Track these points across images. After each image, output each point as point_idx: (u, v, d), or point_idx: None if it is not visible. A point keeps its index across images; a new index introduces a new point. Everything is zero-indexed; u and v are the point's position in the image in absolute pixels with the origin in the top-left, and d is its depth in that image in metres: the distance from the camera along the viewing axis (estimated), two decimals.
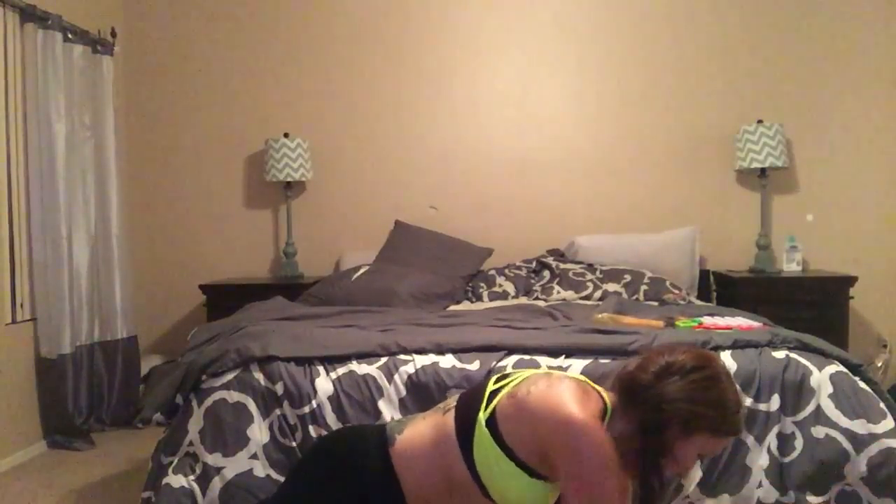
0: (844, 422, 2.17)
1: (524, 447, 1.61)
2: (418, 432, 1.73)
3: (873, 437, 2.15)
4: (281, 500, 1.81)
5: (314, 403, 2.29)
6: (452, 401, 1.79)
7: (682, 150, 4.37)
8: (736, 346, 2.33)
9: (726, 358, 2.27)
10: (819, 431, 2.18)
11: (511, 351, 2.36)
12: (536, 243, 4.32)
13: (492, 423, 1.63)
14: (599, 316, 2.84)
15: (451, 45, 4.48)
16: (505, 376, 1.76)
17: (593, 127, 4.43)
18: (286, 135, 4.36)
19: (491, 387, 1.72)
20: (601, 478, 1.54)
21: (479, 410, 1.66)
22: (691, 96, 4.35)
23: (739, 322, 2.63)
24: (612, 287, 3.79)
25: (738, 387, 1.73)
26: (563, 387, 1.64)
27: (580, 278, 3.87)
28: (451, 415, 1.71)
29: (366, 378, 2.32)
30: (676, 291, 3.73)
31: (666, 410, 1.61)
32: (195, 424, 2.30)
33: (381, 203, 4.51)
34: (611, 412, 1.69)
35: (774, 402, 2.21)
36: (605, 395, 1.72)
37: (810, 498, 2.16)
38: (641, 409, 1.64)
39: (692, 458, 1.65)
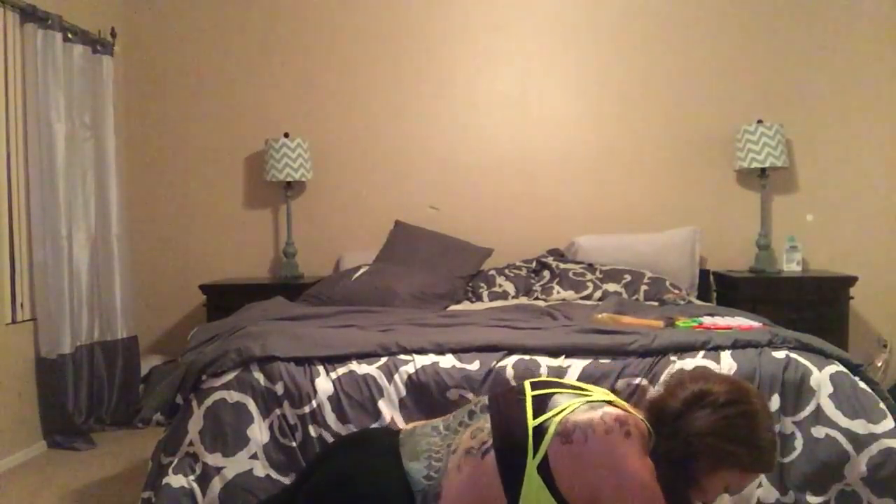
0: (844, 422, 2.17)
1: (579, 495, 1.56)
2: (458, 490, 1.63)
3: (873, 438, 2.15)
4: None
5: (314, 403, 2.29)
6: (485, 434, 1.68)
7: (682, 149, 4.37)
8: (736, 346, 2.33)
9: (726, 358, 2.27)
10: (819, 431, 2.18)
11: (511, 351, 2.36)
12: (536, 243, 4.32)
13: (544, 469, 1.57)
14: (599, 316, 2.84)
15: (452, 46, 4.48)
16: (540, 401, 1.68)
17: (593, 127, 4.43)
18: (286, 135, 4.36)
19: (531, 421, 1.64)
20: None
21: (526, 454, 1.59)
22: (691, 96, 4.35)
23: (739, 322, 2.63)
24: (612, 287, 3.79)
25: (773, 425, 1.66)
26: (621, 432, 1.57)
27: (580, 278, 3.87)
28: (492, 460, 1.62)
29: (366, 378, 2.32)
30: (676, 291, 3.73)
31: (693, 444, 1.56)
32: (195, 424, 2.30)
33: (381, 203, 4.51)
34: (653, 439, 1.66)
35: (774, 402, 2.21)
36: (642, 417, 1.69)
37: (810, 498, 2.16)
38: (668, 440, 1.60)
39: (719, 491, 1.61)
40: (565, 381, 1.97)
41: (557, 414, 1.64)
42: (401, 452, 1.77)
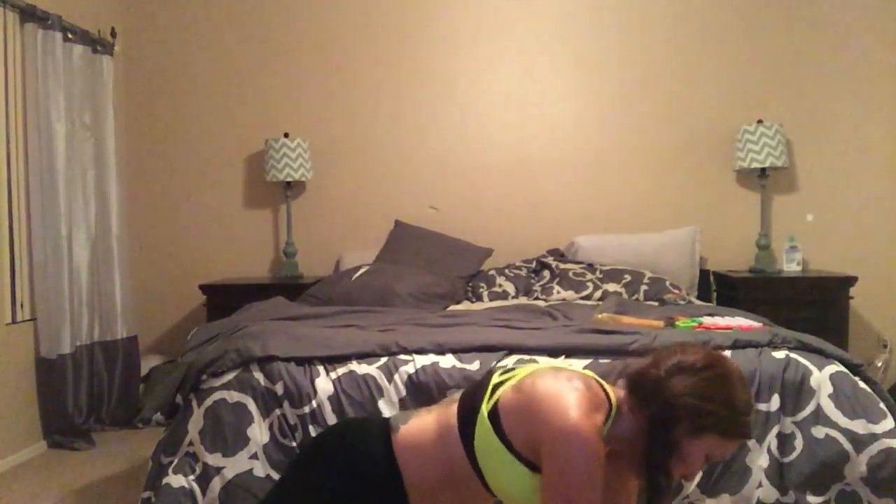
0: (844, 422, 2.17)
1: (524, 440, 1.61)
2: (422, 424, 1.72)
3: (873, 437, 2.15)
4: (281, 490, 1.81)
5: (314, 403, 2.29)
6: (458, 395, 1.79)
7: (682, 150, 4.37)
8: (736, 346, 2.33)
9: None
10: (819, 431, 2.18)
11: (511, 351, 2.36)
12: (536, 243, 4.32)
13: (494, 414, 1.63)
14: (599, 316, 2.84)
15: (452, 45, 4.48)
16: (510, 370, 1.76)
17: (593, 127, 4.43)
18: (286, 135, 4.36)
19: (495, 380, 1.72)
20: (580, 490, 1.52)
21: (482, 402, 1.66)
22: (691, 96, 4.35)
23: (739, 322, 2.63)
24: (612, 287, 3.79)
25: (749, 390, 1.71)
26: (569, 386, 1.62)
27: (580, 278, 3.87)
28: (455, 407, 1.71)
29: (366, 378, 2.32)
30: (676, 291, 3.74)
31: (675, 406, 1.59)
32: (195, 424, 2.30)
33: (381, 203, 4.51)
34: (616, 411, 1.69)
35: (774, 402, 2.21)
36: (611, 392, 1.71)
37: (810, 498, 2.16)
38: (650, 404, 1.63)
39: (700, 460, 1.63)
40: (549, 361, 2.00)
41: (520, 373, 1.71)
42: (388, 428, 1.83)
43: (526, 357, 2.33)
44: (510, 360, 2.32)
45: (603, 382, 1.74)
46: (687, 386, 1.61)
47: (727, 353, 2.29)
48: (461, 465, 1.65)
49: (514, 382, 1.68)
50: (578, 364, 2.29)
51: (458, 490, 1.67)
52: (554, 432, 1.56)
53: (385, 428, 1.73)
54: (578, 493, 1.53)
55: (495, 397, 1.66)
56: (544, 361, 2.30)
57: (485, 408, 1.64)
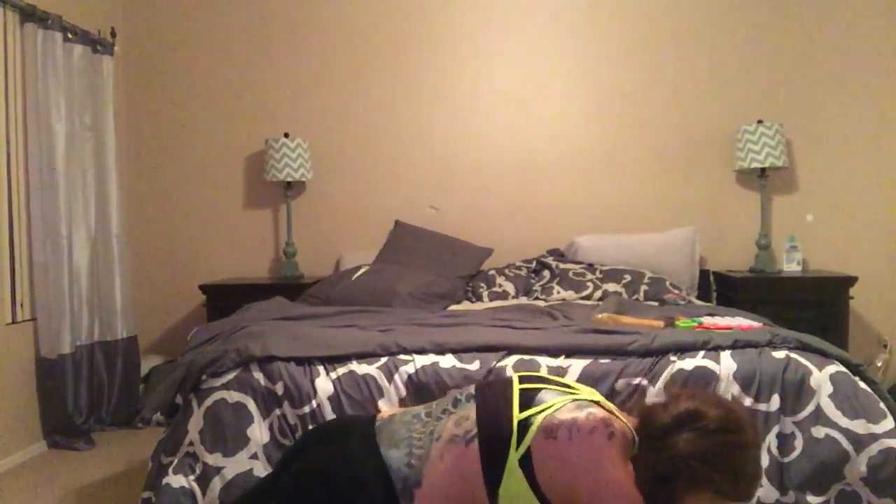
0: (844, 422, 2.17)
1: (558, 492, 1.57)
2: (440, 478, 1.64)
3: (873, 438, 2.14)
4: None
5: (314, 403, 2.29)
6: (470, 423, 1.69)
7: (682, 150, 4.37)
8: (736, 346, 2.32)
9: (726, 358, 2.27)
10: (819, 431, 2.17)
11: (511, 351, 2.36)
12: (536, 243, 4.32)
13: (526, 463, 1.58)
14: (599, 316, 2.83)
15: (452, 45, 4.48)
16: (527, 396, 1.69)
17: (593, 127, 4.43)
18: (286, 135, 4.36)
19: (517, 415, 1.65)
20: None
21: (509, 445, 1.60)
22: (691, 96, 4.36)
23: (739, 322, 2.63)
24: (612, 287, 3.79)
25: (760, 459, 1.66)
26: (603, 436, 1.58)
27: (580, 278, 3.87)
28: (475, 449, 1.63)
29: (366, 378, 2.32)
30: (676, 291, 3.73)
31: (676, 464, 1.57)
32: (195, 424, 2.30)
33: (381, 203, 4.51)
34: (637, 444, 1.67)
35: (774, 402, 2.21)
36: (629, 423, 1.70)
37: (810, 498, 2.16)
38: (653, 454, 1.61)
39: None
40: (555, 378, 1.97)
41: (544, 410, 1.66)
42: (378, 441, 1.76)
43: (526, 357, 2.33)
44: (510, 360, 2.32)
45: (620, 414, 1.72)
46: (696, 448, 1.57)
47: (727, 352, 2.29)
48: None
49: (542, 423, 1.61)
50: (578, 364, 2.29)
51: None
52: (595, 488, 1.53)
53: (391, 492, 1.65)
54: None
55: (525, 443, 1.59)
56: (544, 364, 2.30)
57: (514, 455, 1.59)
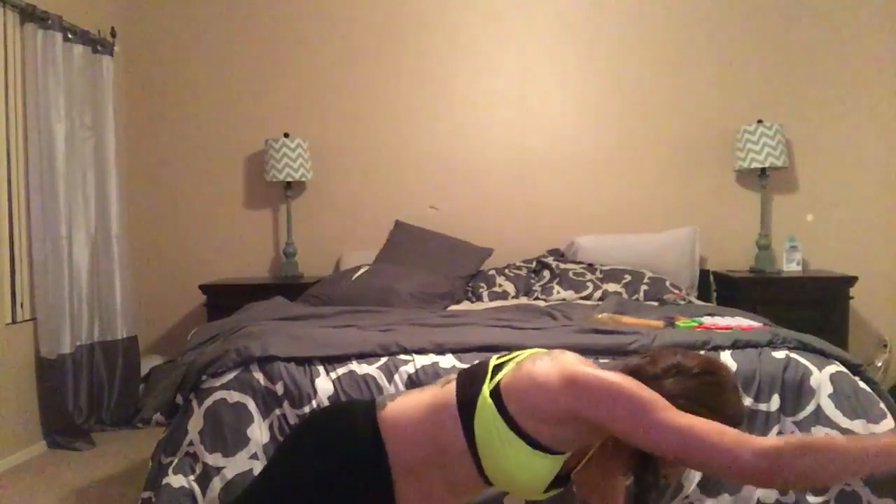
0: (844, 422, 2.17)
1: (531, 418, 1.60)
2: (412, 402, 1.71)
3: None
4: (267, 471, 1.80)
5: (314, 403, 2.29)
6: (453, 376, 1.78)
7: (682, 150, 4.37)
8: (736, 346, 2.33)
9: (726, 358, 2.27)
10: (819, 431, 2.18)
11: (511, 351, 2.35)
12: (536, 243, 4.32)
13: (496, 394, 1.63)
14: (599, 316, 2.84)
15: (452, 45, 4.48)
16: (507, 355, 1.76)
17: (593, 127, 4.43)
18: (286, 135, 4.36)
19: (494, 362, 1.72)
20: (646, 405, 1.51)
21: (483, 382, 1.66)
22: (691, 96, 4.35)
23: (739, 322, 2.63)
24: (612, 287, 3.79)
25: (744, 403, 1.70)
26: (576, 359, 1.65)
27: (580, 278, 3.87)
28: (452, 387, 1.70)
29: (366, 378, 2.32)
30: (676, 291, 3.73)
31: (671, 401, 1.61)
32: (195, 424, 2.30)
33: (381, 203, 4.51)
34: None
35: (774, 402, 2.21)
36: None
37: (810, 498, 2.16)
38: None
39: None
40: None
41: (518, 356, 1.72)
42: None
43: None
44: None
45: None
46: (681, 388, 1.62)
47: (727, 352, 2.30)
48: (455, 444, 1.63)
49: (514, 364, 1.68)
50: None
51: (446, 470, 1.65)
52: (586, 390, 1.55)
53: (371, 407, 1.72)
54: (650, 406, 1.51)
55: (497, 378, 1.65)
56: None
57: (486, 387, 1.64)
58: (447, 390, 1.70)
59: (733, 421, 1.64)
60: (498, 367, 1.69)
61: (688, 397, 1.61)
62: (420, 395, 1.73)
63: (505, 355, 1.76)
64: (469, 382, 1.69)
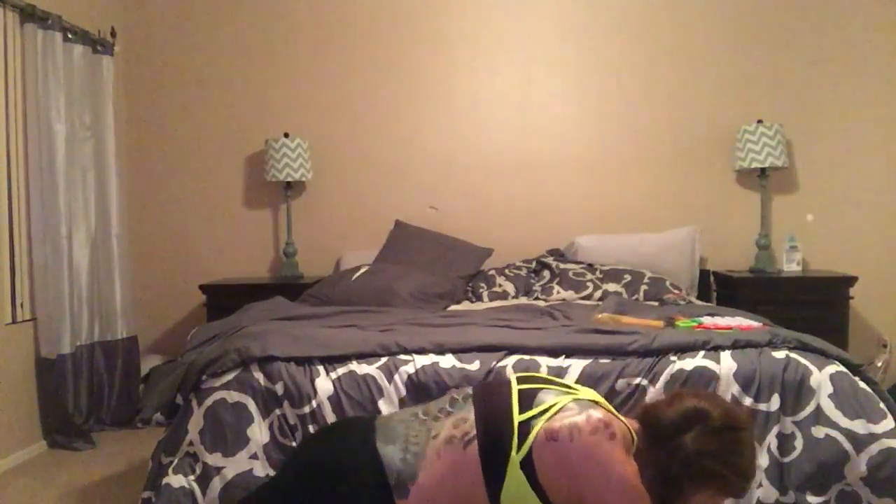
0: (844, 422, 2.17)
1: (561, 493, 1.58)
2: (436, 478, 1.64)
3: (873, 438, 2.15)
4: None
5: (314, 403, 2.29)
6: (468, 425, 1.68)
7: (682, 150, 4.37)
8: (736, 346, 2.33)
9: (726, 358, 2.27)
10: (819, 431, 2.18)
11: (511, 351, 2.36)
12: (536, 243, 4.32)
13: (527, 464, 1.59)
14: (599, 316, 2.83)
15: (452, 46, 4.48)
16: (525, 396, 1.69)
17: (593, 127, 4.43)
18: (286, 135, 4.36)
19: (517, 416, 1.65)
20: None
21: (510, 448, 1.60)
22: (691, 96, 4.35)
23: (739, 322, 2.63)
24: (612, 287, 3.79)
25: (756, 454, 1.72)
26: (604, 436, 1.60)
27: (580, 278, 3.87)
28: (474, 451, 1.63)
29: (366, 378, 2.32)
30: (676, 291, 3.73)
31: (692, 464, 1.61)
32: (195, 424, 2.30)
33: (381, 203, 4.51)
34: (636, 444, 1.68)
35: (774, 402, 2.21)
36: (628, 424, 1.72)
37: (810, 498, 2.16)
38: (665, 454, 1.63)
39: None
40: (554, 378, 1.98)
41: (544, 411, 1.66)
42: (375, 437, 1.76)
43: (526, 357, 2.33)
44: (510, 360, 2.32)
45: (617, 414, 1.74)
46: (706, 447, 1.61)
47: (727, 352, 2.30)
48: None
49: (545, 425, 1.62)
50: (578, 364, 2.29)
51: None
52: (602, 486, 1.56)
53: (386, 486, 1.65)
54: None
55: (527, 445, 1.60)
56: (544, 364, 2.30)
57: (516, 456, 1.60)
58: (470, 455, 1.62)
59: (749, 477, 1.63)
60: (524, 425, 1.61)
61: (713, 457, 1.59)
62: (442, 465, 1.64)
63: (525, 397, 1.68)
64: (494, 445, 1.61)
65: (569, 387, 1.87)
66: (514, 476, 1.59)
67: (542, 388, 1.79)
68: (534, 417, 1.65)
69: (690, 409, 1.65)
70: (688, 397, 1.69)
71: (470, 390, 1.90)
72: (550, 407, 1.68)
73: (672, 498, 1.63)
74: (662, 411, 1.67)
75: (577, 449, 1.58)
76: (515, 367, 2.28)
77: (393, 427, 1.83)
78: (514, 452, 1.60)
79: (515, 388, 1.78)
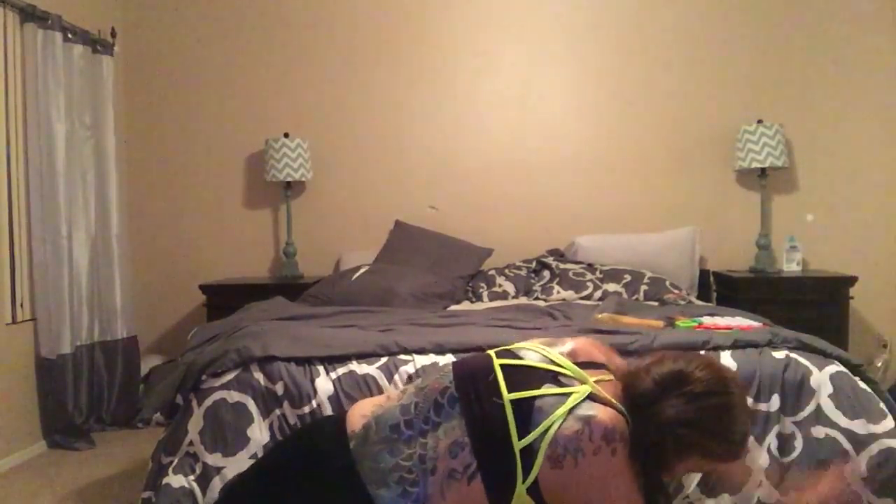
0: (844, 422, 2.17)
1: None
2: None
3: (873, 437, 2.14)
4: None
5: (314, 403, 2.29)
6: (467, 454, 1.61)
7: (682, 150, 4.37)
8: (736, 346, 2.32)
9: (726, 358, 2.27)
10: (819, 431, 2.17)
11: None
12: (536, 243, 4.32)
13: (533, 491, 1.58)
14: (599, 316, 2.83)
15: (452, 45, 4.48)
16: (521, 411, 1.63)
17: (593, 127, 4.43)
18: (286, 135, 4.36)
19: (516, 443, 1.60)
20: None
21: (515, 477, 1.59)
22: (691, 96, 4.35)
23: (739, 322, 2.63)
24: (612, 287, 3.79)
25: (748, 416, 1.66)
26: (607, 455, 1.57)
27: (580, 278, 3.87)
28: (479, 485, 1.60)
29: (366, 378, 2.32)
30: (676, 291, 3.73)
31: (665, 433, 1.57)
32: (195, 424, 2.30)
33: (381, 203, 4.51)
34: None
35: (774, 402, 2.21)
36: (615, 399, 1.68)
37: None
38: (641, 424, 1.61)
39: (684, 473, 1.64)
40: (535, 363, 1.79)
41: (545, 432, 1.62)
42: (361, 476, 1.65)
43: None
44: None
45: (611, 399, 1.70)
46: (682, 414, 1.56)
47: (727, 352, 2.29)
48: None
49: (548, 452, 1.58)
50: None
51: None
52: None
53: None
54: None
55: (532, 474, 1.58)
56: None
57: (521, 487, 1.59)
58: (475, 492, 1.59)
59: (738, 442, 1.60)
60: (527, 452, 1.58)
61: (689, 425, 1.55)
62: (445, 500, 1.61)
63: (518, 402, 1.64)
64: (500, 477, 1.58)
65: (555, 363, 1.75)
66: (522, 501, 1.59)
67: (536, 395, 1.69)
68: (535, 441, 1.61)
69: (669, 373, 1.60)
70: (668, 360, 1.64)
71: (448, 381, 1.76)
72: (550, 425, 1.62)
73: (655, 467, 1.61)
74: (641, 379, 1.63)
75: (581, 473, 1.57)
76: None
77: (377, 457, 1.69)
78: (519, 483, 1.59)
79: (507, 397, 1.68)
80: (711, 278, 4.28)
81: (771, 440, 2.20)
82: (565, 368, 1.76)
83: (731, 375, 1.73)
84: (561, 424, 1.61)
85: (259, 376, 2.34)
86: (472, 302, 3.82)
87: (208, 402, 2.31)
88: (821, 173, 4.30)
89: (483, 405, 1.68)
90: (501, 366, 1.78)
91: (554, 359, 1.79)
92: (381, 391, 2.29)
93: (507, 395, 1.66)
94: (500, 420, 1.63)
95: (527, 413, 1.64)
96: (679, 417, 1.56)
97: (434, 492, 1.63)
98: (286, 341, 2.44)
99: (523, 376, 1.74)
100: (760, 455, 2.18)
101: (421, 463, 1.66)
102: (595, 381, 1.72)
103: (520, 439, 1.61)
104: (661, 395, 1.59)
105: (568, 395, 1.69)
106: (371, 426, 1.76)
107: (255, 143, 4.54)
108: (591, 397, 1.69)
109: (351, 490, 1.64)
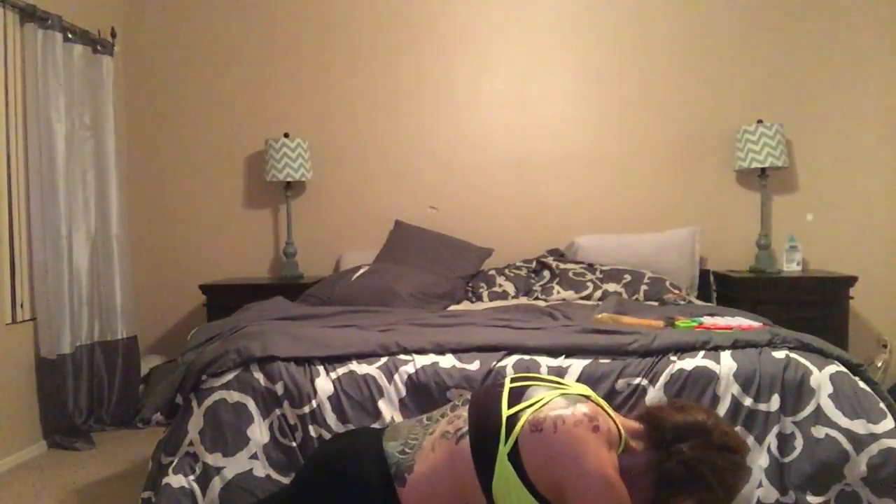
0: (844, 422, 2.17)
1: (547, 483, 1.62)
2: (431, 467, 1.70)
3: (873, 437, 2.15)
4: None
5: (314, 403, 2.29)
6: (461, 421, 1.76)
7: (682, 149, 4.37)
8: (736, 346, 2.33)
9: (726, 358, 2.27)
10: (819, 431, 2.18)
11: (511, 351, 2.36)
12: (536, 243, 4.32)
13: (514, 456, 1.63)
14: (599, 316, 2.83)
15: (452, 45, 4.48)
16: (516, 392, 1.74)
17: (593, 127, 4.43)
18: (286, 135, 4.36)
19: (505, 410, 1.70)
20: None
21: (498, 441, 1.65)
22: (691, 96, 4.35)
23: (739, 322, 2.63)
24: (612, 287, 3.79)
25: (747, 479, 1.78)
26: (587, 429, 1.64)
27: (580, 278, 3.87)
28: (466, 445, 1.69)
29: (366, 378, 2.32)
30: (676, 291, 3.73)
31: (692, 469, 1.64)
32: (195, 424, 2.30)
33: (381, 203, 4.51)
34: (625, 443, 1.69)
35: (774, 402, 2.21)
36: (619, 422, 1.73)
37: (810, 498, 2.16)
38: (665, 455, 1.67)
39: None
40: (548, 377, 2.02)
41: (532, 405, 1.71)
42: (382, 437, 1.88)
43: (526, 357, 2.33)
44: (510, 361, 2.32)
45: (612, 413, 1.75)
46: (707, 457, 1.65)
47: (727, 352, 2.30)
48: (476, 501, 1.65)
49: (530, 417, 1.67)
50: (578, 364, 2.29)
51: None
52: (579, 478, 1.59)
53: (388, 475, 1.72)
54: None
55: (513, 436, 1.64)
56: (544, 364, 2.30)
57: (504, 448, 1.64)
58: (462, 449, 1.69)
59: (730, 497, 1.70)
60: (512, 419, 1.67)
61: (713, 470, 1.64)
62: (435, 457, 1.72)
63: (515, 393, 1.75)
64: (484, 439, 1.67)
65: (561, 383, 1.90)
66: (503, 467, 1.64)
67: (532, 385, 1.83)
68: (521, 410, 1.69)
69: (695, 421, 1.71)
70: (698, 411, 1.76)
71: (470, 396, 1.95)
72: (538, 400, 1.73)
73: (663, 499, 1.66)
74: (670, 415, 1.71)
75: (559, 439, 1.62)
76: (515, 368, 2.29)
77: (398, 428, 1.93)
78: (502, 445, 1.64)
79: (508, 385, 1.84)
80: (711, 278, 4.28)
81: (771, 440, 2.20)
82: (572, 388, 1.86)
83: (742, 440, 1.85)
84: (549, 401, 1.72)
85: (259, 376, 2.34)
86: (472, 302, 3.82)
87: (208, 402, 2.31)
88: (821, 173, 4.30)
89: (486, 394, 1.84)
90: (513, 378, 1.93)
91: (563, 382, 1.91)
92: (380, 391, 2.30)
93: (508, 384, 1.80)
94: (496, 396, 1.77)
95: (520, 393, 1.77)
96: (700, 457, 1.65)
97: (426, 446, 1.79)
98: (286, 341, 2.44)
99: (530, 381, 1.89)
100: (760, 455, 2.19)
101: (425, 430, 1.86)
102: (598, 404, 1.81)
103: (509, 408, 1.72)
104: (683, 436, 1.67)
105: (566, 388, 1.83)
106: (403, 422, 2.03)
107: (255, 143, 4.54)
108: (589, 399, 1.75)
109: (369, 441, 1.86)
